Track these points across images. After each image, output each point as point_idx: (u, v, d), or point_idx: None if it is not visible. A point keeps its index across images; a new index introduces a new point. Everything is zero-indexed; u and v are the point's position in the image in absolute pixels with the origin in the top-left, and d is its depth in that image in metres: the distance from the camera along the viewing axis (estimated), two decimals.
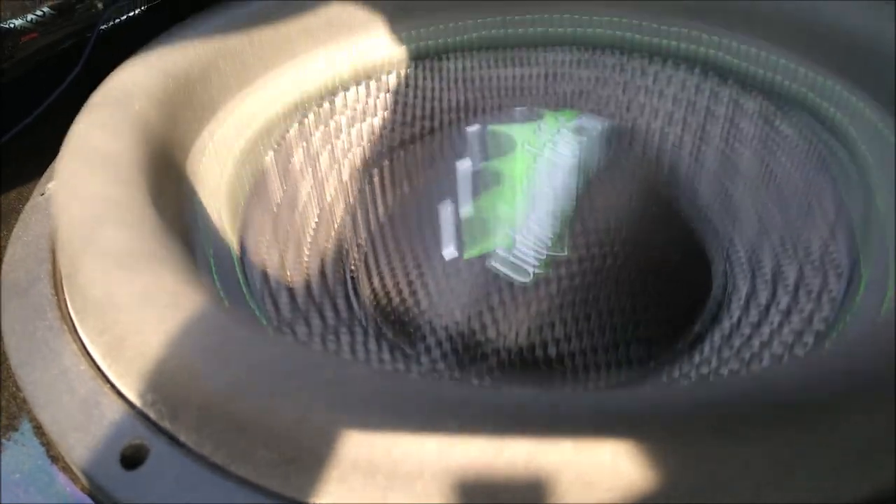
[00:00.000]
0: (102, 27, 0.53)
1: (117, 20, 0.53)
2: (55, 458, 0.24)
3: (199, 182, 0.35)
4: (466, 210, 0.37)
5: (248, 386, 0.21)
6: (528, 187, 0.37)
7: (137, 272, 0.24)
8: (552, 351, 0.32)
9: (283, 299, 0.34)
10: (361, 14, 0.45)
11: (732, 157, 0.41)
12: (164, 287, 0.24)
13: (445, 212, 0.37)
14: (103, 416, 0.23)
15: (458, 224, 0.36)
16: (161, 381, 0.22)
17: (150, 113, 0.33)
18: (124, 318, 0.23)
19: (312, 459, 0.19)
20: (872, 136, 0.34)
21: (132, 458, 0.22)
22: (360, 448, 0.19)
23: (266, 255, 0.35)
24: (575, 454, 0.18)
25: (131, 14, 0.53)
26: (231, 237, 0.34)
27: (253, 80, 0.40)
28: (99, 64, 0.53)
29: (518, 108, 0.44)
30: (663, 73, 0.44)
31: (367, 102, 0.45)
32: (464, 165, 0.39)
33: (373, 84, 0.45)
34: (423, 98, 0.46)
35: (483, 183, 0.38)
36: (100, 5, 0.53)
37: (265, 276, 0.34)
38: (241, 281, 0.32)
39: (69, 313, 0.27)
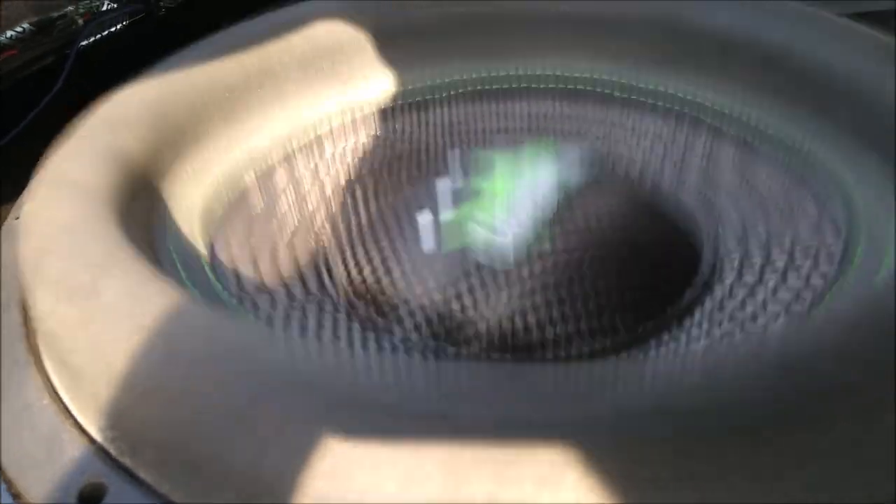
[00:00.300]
0: (83, 43, 0.53)
1: (98, 36, 0.52)
2: (16, 495, 0.24)
3: (175, 203, 0.34)
4: (446, 215, 0.36)
5: (206, 424, 0.20)
6: (509, 198, 0.36)
7: (97, 300, 0.24)
8: (532, 320, 0.31)
9: (249, 279, 0.33)
10: (353, 50, 0.45)
11: (712, 173, 0.40)
12: (123, 315, 0.23)
13: (425, 216, 0.36)
14: (64, 453, 0.22)
15: (438, 224, 0.36)
16: (120, 416, 0.22)
17: (130, 143, 0.33)
18: (83, 348, 0.23)
19: (271, 500, 0.19)
20: (849, 160, 0.35)
21: (90, 497, 0.21)
22: (318, 488, 0.19)
23: (238, 254, 0.35)
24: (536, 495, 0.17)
25: (112, 30, 0.53)
26: (203, 244, 0.34)
27: (240, 111, 0.40)
28: (80, 80, 0.53)
29: (498, 136, 0.44)
30: (642, 124, 0.44)
31: (350, 141, 0.45)
32: (444, 181, 0.38)
33: (359, 119, 0.45)
34: (410, 141, 0.46)
35: (463, 194, 0.37)
36: (80, 21, 0.53)
37: (235, 268, 0.34)
38: (209, 272, 0.32)
39: (36, 344, 0.26)
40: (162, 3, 0.54)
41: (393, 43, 0.45)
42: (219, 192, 0.38)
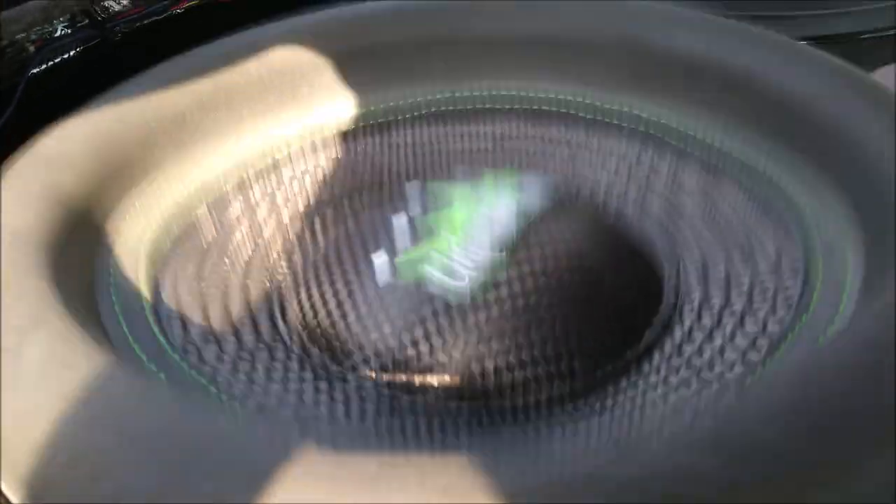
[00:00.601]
0: (34, 70, 0.51)
1: (50, 63, 0.51)
2: None
3: (121, 242, 0.33)
4: (404, 253, 0.35)
5: (129, 497, 0.19)
6: (467, 234, 0.35)
7: (20, 365, 0.23)
8: (490, 364, 0.30)
9: (197, 326, 0.32)
10: (313, 73, 0.44)
11: (675, 204, 0.40)
12: (46, 382, 0.22)
13: (382, 255, 0.35)
14: None
15: (394, 264, 0.35)
16: (41, 486, 0.21)
17: (69, 181, 0.32)
18: (3, 416, 0.22)
19: None
20: (807, 187, 0.35)
21: None
22: None
23: (186, 296, 0.34)
24: None
25: (64, 56, 0.51)
26: (147, 285, 0.33)
27: (193, 139, 0.39)
28: (31, 109, 0.52)
29: (462, 159, 0.43)
30: (605, 144, 0.43)
31: (310, 166, 0.44)
32: (403, 214, 0.38)
33: (318, 144, 0.44)
34: (372, 164, 0.45)
35: (422, 229, 0.37)
36: (31, 49, 0.51)
37: (182, 314, 0.33)
38: (152, 322, 0.31)
39: None
40: (117, 29, 0.53)
41: (354, 65, 0.45)
42: (168, 226, 0.37)
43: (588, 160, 0.43)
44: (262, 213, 0.40)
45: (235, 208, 0.40)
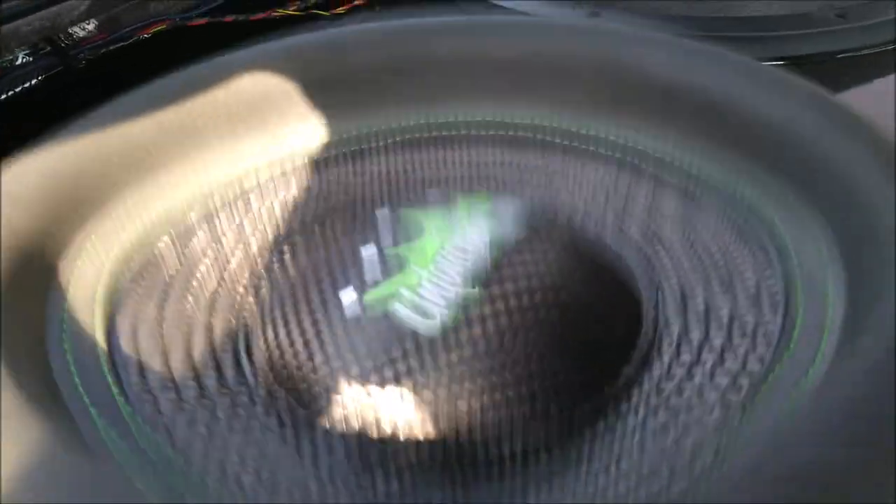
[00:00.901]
0: None
1: (10, 93, 0.50)
2: None
3: (77, 283, 0.32)
4: (374, 289, 0.34)
5: None
6: (440, 266, 0.34)
7: None
8: (463, 407, 0.29)
9: (155, 372, 0.31)
10: (282, 100, 0.43)
11: (655, 226, 0.39)
12: None
13: (350, 293, 0.34)
14: None
15: (364, 289, 0.34)
16: None
17: (20, 221, 0.31)
18: None
19: None
20: (789, 215, 0.34)
21: None
22: None
23: (145, 338, 0.32)
24: None
25: (26, 86, 0.50)
26: (103, 329, 0.32)
27: (156, 171, 0.38)
28: None
29: (430, 191, 0.42)
30: (583, 172, 0.42)
31: (279, 195, 0.42)
32: (374, 245, 0.37)
33: (289, 172, 0.43)
34: (344, 191, 0.44)
35: (393, 261, 0.36)
36: None
37: (140, 359, 0.31)
38: (107, 371, 0.29)
39: None
40: (81, 56, 0.52)
41: (324, 91, 0.43)
42: (129, 262, 0.35)
43: (565, 186, 0.42)
44: (228, 244, 0.39)
45: (200, 239, 0.38)
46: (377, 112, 0.44)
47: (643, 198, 0.40)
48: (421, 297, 0.31)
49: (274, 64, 0.43)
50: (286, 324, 0.33)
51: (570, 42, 0.44)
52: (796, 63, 0.59)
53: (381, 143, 0.45)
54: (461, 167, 0.44)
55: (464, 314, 0.32)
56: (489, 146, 0.44)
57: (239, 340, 0.33)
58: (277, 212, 0.42)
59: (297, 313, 0.33)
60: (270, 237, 0.40)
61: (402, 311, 0.31)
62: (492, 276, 0.34)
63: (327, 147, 0.44)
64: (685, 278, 0.35)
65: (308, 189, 0.43)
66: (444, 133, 0.45)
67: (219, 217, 0.40)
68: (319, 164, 0.43)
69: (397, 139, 0.45)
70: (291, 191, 0.42)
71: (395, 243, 0.37)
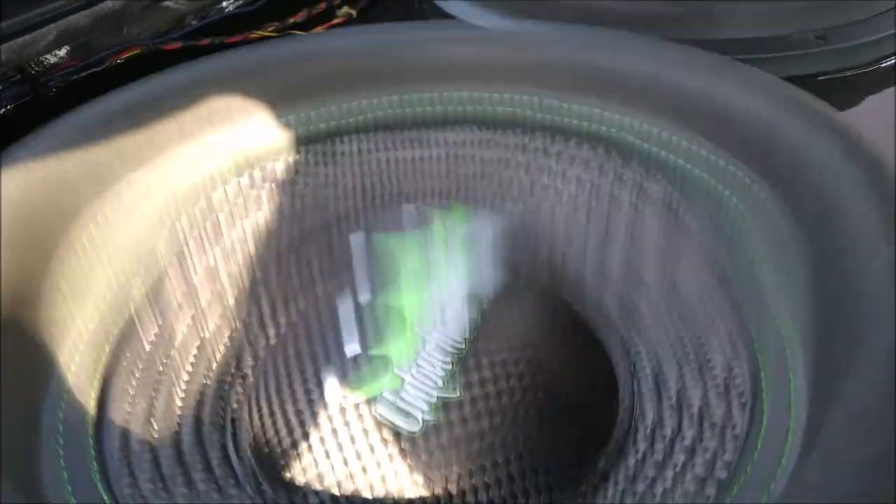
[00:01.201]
0: None
1: None
2: None
3: (49, 339, 0.31)
4: (352, 348, 0.35)
5: None
6: (416, 320, 0.35)
7: None
8: (441, 494, 0.30)
9: (143, 465, 0.31)
10: (242, 98, 0.41)
11: (636, 261, 0.39)
12: None
13: (332, 350, 0.35)
14: None
15: (344, 365, 0.34)
16: None
17: None
18: None
19: None
20: (772, 235, 0.33)
21: None
22: None
23: (130, 409, 0.32)
24: None
25: None
26: (90, 398, 0.31)
27: (109, 187, 0.36)
28: None
29: (405, 208, 0.41)
30: (566, 152, 0.42)
31: (250, 196, 0.41)
32: (346, 298, 0.37)
33: (257, 174, 0.41)
34: (316, 185, 0.43)
35: (369, 317, 0.36)
36: None
37: (125, 438, 0.31)
38: (93, 455, 0.29)
39: None
40: (52, 84, 0.50)
41: (292, 102, 0.42)
42: (104, 319, 0.34)
43: (545, 181, 0.42)
44: (203, 294, 0.38)
45: (174, 286, 0.37)
46: (349, 117, 0.43)
47: (626, 202, 0.39)
48: (402, 399, 0.32)
49: (234, 79, 0.41)
50: (269, 404, 0.33)
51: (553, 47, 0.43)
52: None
53: (354, 153, 0.43)
54: (440, 162, 0.43)
55: (445, 400, 0.32)
56: (468, 136, 0.43)
57: (226, 426, 0.33)
58: (250, 242, 0.40)
59: (282, 405, 0.33)
60: (246, 276, 0.39)
61: (384, 411, 0.32)
62: (471, 349, 0.34)
63: (295, 165, 0.42)
64: (661, 346, 0.36)
65: (280, 211, 0.42)
66: (420, 123, 0.43)
67: (188, 247, 0.38)
68: (285, 186, 0.42)
69: (372, 128, 0.43)
70: (264, 212, 0.41)
71: (373, 296, 0.37)
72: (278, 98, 0.41)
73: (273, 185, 0.41)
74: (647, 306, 0.37)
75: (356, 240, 0.40)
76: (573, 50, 0.42)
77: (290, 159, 0.42)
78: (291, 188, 0.42)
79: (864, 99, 0.63)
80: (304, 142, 0.42)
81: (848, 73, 0.62)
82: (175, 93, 0.40)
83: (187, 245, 0.38)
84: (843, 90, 0.62)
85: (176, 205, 0.38)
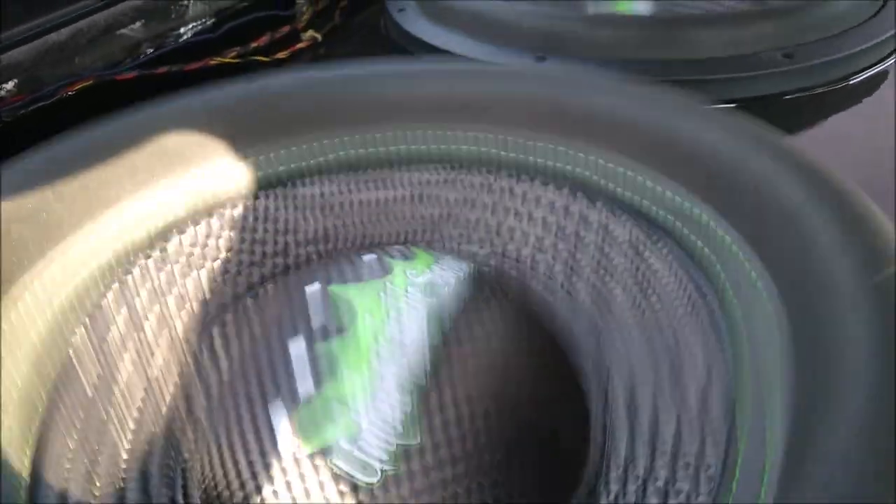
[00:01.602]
0: None
1: None
2: None
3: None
4: (306, 390, 0.32)
5: None
6: (374, 360, 0.33)
7: None
8: None
9: None
10: (197, 142, 0.40)
11: (605, 294, 0.38)
12: None
13: (283, 394, 0.32)
14: None
15: (298, 408, 0.32)
16: None
17: None
18: None
19: None
20: (739, 277, 0.32)
21: None
22: None
23: (70, 467, 0.30)
24: None
25: None
26: (24, 459, 0.29)
27: (56, 242, 0.34)
28: None
29: (366, 257, 0.39)
30: (531, 192, 0.41)
31: (206, 244, 0.40)
32: (300, 341, 0.34)
33: (214, 222, 0.40)
34: (276, 231, 0.42)
35: (324, 358, 0.34)
36: None
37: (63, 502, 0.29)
38: None
39: None
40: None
41: (252, 144, 0.41)
42: (41, 365, 0.32)
43: (511, 223, 0.41)
44: (150, 331, 0.37)
45: (120, 331, 0.35)
46: (311, 157, 0.42)
47: (593, 244, 0.39)
48: (359, 448, 0.30)
49: (190, 118, 0.40)
50: (222, 461, 0.31)
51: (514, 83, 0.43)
52: (745, 105, 0.58)
53: (316, 177, 0.42)
54: (405, 203, 0.42)
55: (404, 444, 0.31)
56: (433, 176, 0.42)
57: (176, 486, 0.31)
58: (205, 275, 0.39)
59: (233, 455, 0.31)
60: (199, 317, 0.38)
61: (341, 463, 0.30)
62: (433, 386, 0.33)
63: (257, 186, 0.41)
64: (634, 374, 0.34)
65: (239, 251, 0.40)
66: (383, 164, 0.42)
67: (138, 296, 0.36)
68: (248, 207, 0.41)
69: (334, 169, 0.42)
70: (221, 244, 0.40)
71: (327, 334, 0.35)
72: (237, 139, 0.40)
73: (231, 232, 0.40)
74: (615, 342, 0.36)
75: (313, 288, 0.38)
76: (538, 87, 0.42)
77: (249, 204, 0.41)
78: (250, 236, 0.41)
79: (832, 116, 0.63)
80: (262, 185, 0.41)
81: (817, 91, 0.62)
82: (129, 136, 0.39)
83: (137, 296, 0.37)
84: (812, 108, 0.62)
85: (128, 258, 0.37)
